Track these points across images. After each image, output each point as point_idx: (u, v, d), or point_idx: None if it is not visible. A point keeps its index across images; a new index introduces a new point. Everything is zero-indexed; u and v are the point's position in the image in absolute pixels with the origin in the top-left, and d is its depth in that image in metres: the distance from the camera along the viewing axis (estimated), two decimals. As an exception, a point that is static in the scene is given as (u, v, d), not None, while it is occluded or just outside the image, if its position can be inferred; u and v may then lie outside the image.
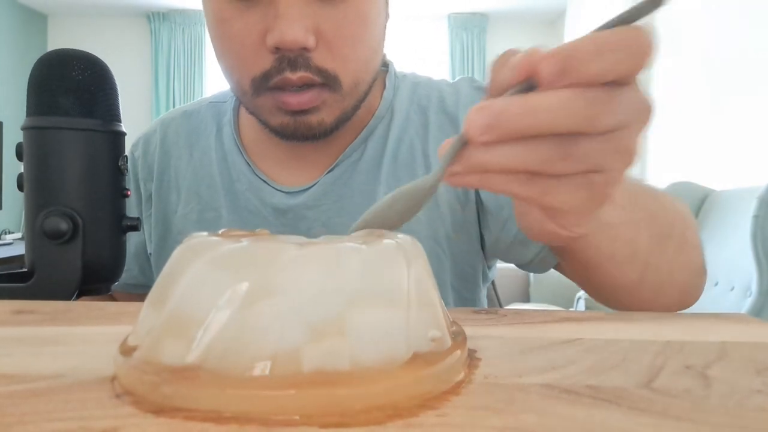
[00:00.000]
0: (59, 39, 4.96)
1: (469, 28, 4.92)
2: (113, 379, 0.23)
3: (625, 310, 0.49)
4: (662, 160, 3.19)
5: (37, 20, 4.87)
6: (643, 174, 3.44)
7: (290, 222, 0.61)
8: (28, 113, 0.46)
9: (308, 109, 0.54)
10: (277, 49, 0.50)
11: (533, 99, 0.25)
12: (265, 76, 0.52)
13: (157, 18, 4.92)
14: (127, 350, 0.24)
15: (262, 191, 0.63)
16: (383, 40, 0.60)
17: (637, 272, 0.44)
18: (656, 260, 0.45)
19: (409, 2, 4.70)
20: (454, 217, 0.61)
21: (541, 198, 0.28)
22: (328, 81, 0.53)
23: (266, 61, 0.52)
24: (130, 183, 0.69)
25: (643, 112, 0.27)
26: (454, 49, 4.96)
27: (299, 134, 0.56)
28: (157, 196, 0.67)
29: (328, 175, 0.62)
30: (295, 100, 0.53)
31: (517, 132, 0.25)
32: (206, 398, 0.20)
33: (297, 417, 0.20)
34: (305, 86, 0.52)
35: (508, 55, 0.27)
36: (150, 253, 0.68)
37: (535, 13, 4.75)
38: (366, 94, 0.59)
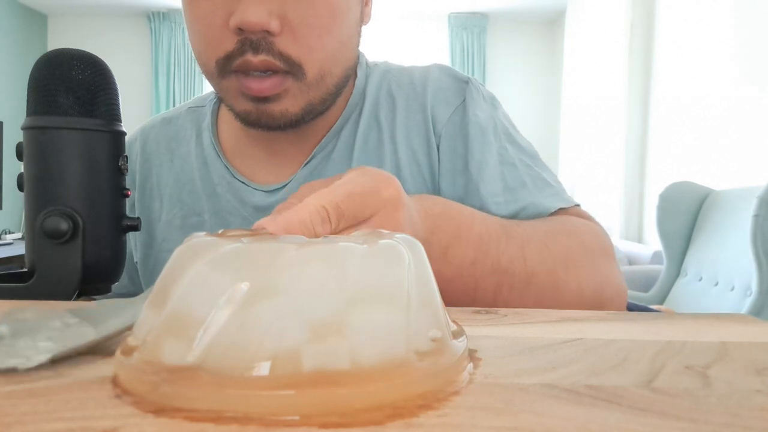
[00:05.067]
0: (59, 39, 4.96)
1: (469, 27, 4.93)
2: (113, 379, 0.23)
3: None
4: (662, 160, 3.19)
5: (37, 20, 4.87)
6: (644, 174, 3.44)
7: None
8: (28, 113, 0.46)
9: (270, 96, 0.53)
10: (240, 31, 0.51)
11: (293, 227, 0.32)
12: (228, 58, 0.52)
13: (157, 18, 4.92)
14: (127, 350, 0.24)
15: (242, 192, 0.63)
16: (356, 37, 0.60)
17: (487, 304, 0.48)
18: (513, 300, 0.49)
19: (409, 2, 4.69)
20: None
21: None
22: (292, 69, 0.53)
23: (230, 43, 0.52)
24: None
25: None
26: (454, 49, 4.96)
27: (263, 123, 0.56)
28: (140, 204, 0.68)
29: (304, 168, 0.62)
30: (256, 85, 0.52)
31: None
32: (206, 398, 0.20)
33: (297, 417, 0.20)
34: (268, 72, 0.52)
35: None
36: (136, 262, 0.68)
37: (535, 12, 4.75)
38: (338, 88, 0.59)
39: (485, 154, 0.60)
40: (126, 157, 0.49)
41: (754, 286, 1.76)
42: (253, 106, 0.54)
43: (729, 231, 2.01)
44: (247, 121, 0.56)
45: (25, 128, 0.46)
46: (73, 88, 0.45)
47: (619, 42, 3.47)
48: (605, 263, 0.55)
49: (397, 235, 0.27)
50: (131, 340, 0.24)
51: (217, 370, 0.21)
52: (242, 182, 0.63)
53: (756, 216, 1.76)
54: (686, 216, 2.27)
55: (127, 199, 0.67)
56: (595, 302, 0.52)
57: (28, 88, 0.46)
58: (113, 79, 0.48)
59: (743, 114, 2.48)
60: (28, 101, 0.46)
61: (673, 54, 3.12)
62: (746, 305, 1.76)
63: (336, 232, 0.34)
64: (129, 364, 0.23)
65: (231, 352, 0.21)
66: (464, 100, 0.62)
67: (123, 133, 0.49)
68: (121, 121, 0.49)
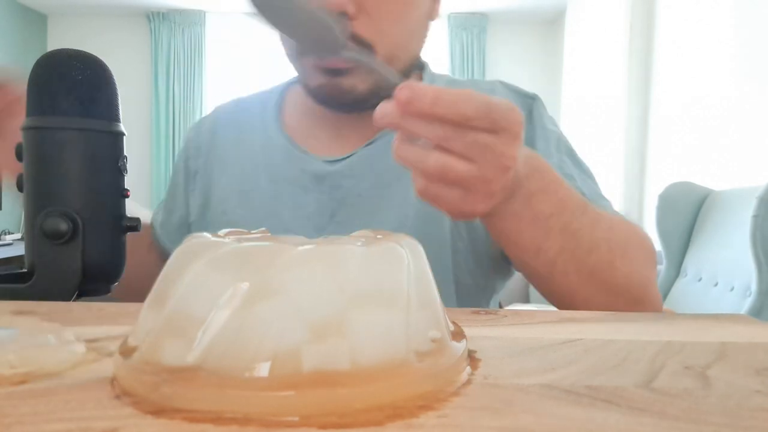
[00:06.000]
0: (59, 39, 4.96)
1: (469, 27, 4.92)
2: (113, 379, 0.23)
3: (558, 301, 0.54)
4: (662, 160, 3.19)
5: (37, 20, 4.87)
6: (643, 174, 3.44)
7: (327, 190, 0.65)
8: (28, 113, 0.46)
9: (342, 70, 0.58)
10: None
11: (442, 94, 0.35)
12: None
13: (157, 18, 4.92)
14: (126, 351, 0.24)
15: (301, 161, 0.67)
16: (424, 29, 0.65)
17: (542, 267, 0.50)
18: (563, 267, 0.50)
19: (408, 2, 4.68)
20: None
21: (443, 171, 0.38)
22: (364, 48, 0.57)
23: None
24: (179, 161, 0.76)
25: (493, 152, 0.38)
26: (454, 49, 4.96)
27: (333, 96, 0.61)
28: (203, 171, 0.73)
29: (366, 147, 0.66)
30: (329, 58, 0.57)
31: (425, 109, 0.36)
32: (206, 399, 0.20)
33: (297, 417, 0.20)
34: None
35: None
36: (191, 223, 0.73)
37: (535, 12, 4.75)
38: (403, 75, 0.63)
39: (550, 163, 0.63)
40: (126, 157, 0.49)
41: (754, 286, 1.76)
42: (326, 79, 0.59)
43: (729, 231, 2.01)
44: (319, 96, 0.62)
45: (24, 128, 0.46)
46: (73, 89, 0.45)
47: (619, 42, 3.47)
48: (652, 268, 0.57)
49: (398, 236, 0.27)
50: (131, 341, 0.24)
51: (217, 370, 0.21)
52: (303, 152, 0.67)
53: (756, 216, 1.76)
54: (686, 216, 2.27)
55: (189, 168, 0.74)
56: (638, 299, 0.54)
57: (28, 89, 0.46)
58: (113, 79, 0.48)
59: (743, 114, 2.48)
60: (27, 101, 0.46)
61: (673, 54, 3.12)
62: (746, 306, 1.76)
63: (470, 123, 0.36)
64: (128, 365, 0.23)
65: (231, 353, 0.21)
66: (531, 113, 0.67)
67: (123, 134, 0.49)
68: (121, 122, 0.49)
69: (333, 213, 0.64)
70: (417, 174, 0.40)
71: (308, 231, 0.63)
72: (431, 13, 0.66)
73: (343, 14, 0.55)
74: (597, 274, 0.51)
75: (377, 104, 0.61)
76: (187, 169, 0.75)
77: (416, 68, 0.69)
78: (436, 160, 0.38)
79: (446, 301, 0.67)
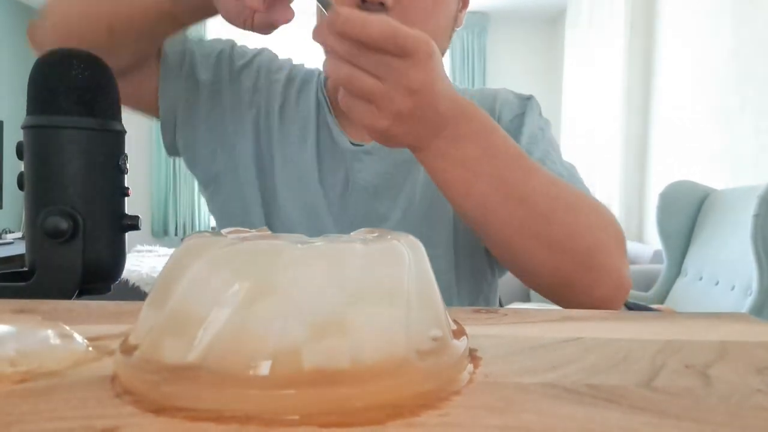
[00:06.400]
0: (59, 38, 4.94)
1: (469, 27, 4.92)
2: (114, 378, 0.23)
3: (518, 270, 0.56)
4: (662, 160, 3.19)
5: (37, 19, 4.86)
6: (644, 174, 3.44)
7: (349, 161, 0.69)
8: (29, 112, 0.46)
9: None
10: (362, 2, 0.59)
11: (353, 15, 0.41)
12: None
13: (157, 17, 4.92)
14: (127, 349, 0.24)
15: (334, 131, 0.70)
16: (449, 30, 0.69)
17: (473, 209, 0.52)
18: (494, 211, 0.52)
19: (409, 1, 4.68)
20: None
21: (349, 82, 0.43)
22: None
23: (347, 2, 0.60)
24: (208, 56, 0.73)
25: (398, 73, 0.43)
26: (454, 49, 4.96)
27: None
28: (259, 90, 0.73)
29: None
30: None
31: (337, 28, 0.41)
32: (207, 397, 0.20)
33: (297, 416, 0.20)
34: None
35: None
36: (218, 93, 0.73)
37: (535, 11, 4.75)
38: None
39: (531, 148, 0.67)
40: (126, 155, 0.49)
41: (755, 285, 1.76)
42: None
43: (729, 231, 2.01)
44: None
45: (25, 127, 0.46)
46: (73, 88, 0.45)
47: (619, 42, 3.47)
48: (613, 242, 0.56)
49: (399, 235, 0.27)
50: (132, 339, 0.24)
51: (218, 369, 0.21)
52: (337, 125, 0.71)
53: (756, 216, 1.76)
54: (686, 215, 2.27)
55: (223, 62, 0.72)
56: (586, 263, 0.53)
57: (29, 88, 0.46)
58: (113, 78, 0.48)
59: (743, 114, 2.48)
60: (28, 100, 0.46)
61: (673, 54, 3.12)
62: (746, 305, 1.76)
63: (377, 44, 0.42)
64: (129, 363, 0.23)
65: (231, 351, 0.21)
66: (524, 112, 0.73)
67: (123, 132, 0.49)
68: (121, 121, 0.49)
69: (352, 187, 0.68)
70: (332, 81, 0.45)
71: (326, 199, 0.68)
72: (457, 18, 0.70)
73: (381, 4, 0.58)
74: (530, 225, 0.52)
75: None
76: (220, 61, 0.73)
77: None
78: (346, 72, 0.43)
79: (447, 283, 0.68)
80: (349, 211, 0.68)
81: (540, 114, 0.74)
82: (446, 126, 0.48)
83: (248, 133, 0.72)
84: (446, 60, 5.04)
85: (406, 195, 0.68)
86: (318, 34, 0.44)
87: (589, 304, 0.54)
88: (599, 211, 0.57)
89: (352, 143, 0.70)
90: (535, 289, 0.58)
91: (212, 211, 0.77)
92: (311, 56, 0.83)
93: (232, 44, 0.75)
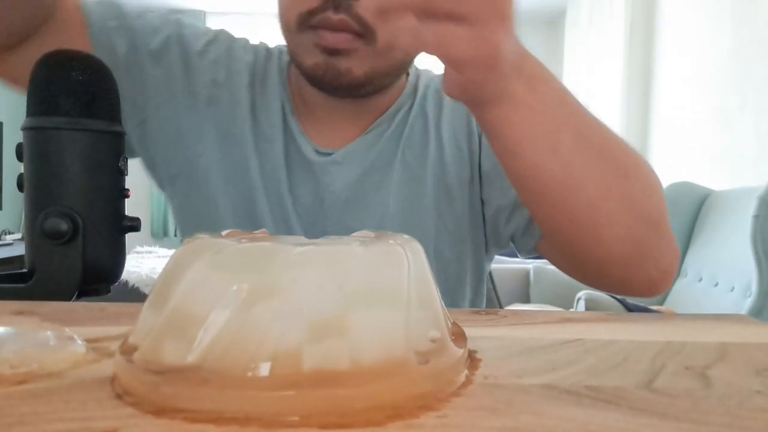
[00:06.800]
0: (59, 39, 4.95)
1: (469, 28, 4.92)
2: (113, 379, 0.23)
3: (574, 242, 0.50)
4: (662, 160, 3.19)
5: (37, 20, 4.86)
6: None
7: (317, 174, 0.65)
8: (28, 113, 0.46)
9: (341, 50, 0.57)
10: None
11: None
12: (310, 13, 0.56)
13: (157, 18, 4.92)
14: (127, 350, 0.24)
15: (300, 140, 0.66)
16: None
17: (559, 169, 0.45)
18: (581, 168, 0.45)
19: (409, 2, 4.68)
20: (462, 192, 0.65)
21: (438, 47, 0.37)
22: (365, 31, 0.56)
23: (314, 0, 0.56)
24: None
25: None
26: (454, 49, 4.96)
27: (328, 78, 0.59)
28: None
29: (359, 141, 0.66)
30: (331, 37, 0.56)
31: None
32: (207, 398, 0.20)
33: (297, 417, 0.20)
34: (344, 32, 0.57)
35: None
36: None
37: (535, 12, 4.75)
38: (400, 65, 0.63)
39: None
40: (126, 157, 0.49)
41: (754, 286, 1.76)
42: (323, 58, 0.58)
43: (729, 231, 2.01)
44: (314, 76, 0.60)
45: (25, 129, 0.46)
46: (73, 89, 0.45)
47: (619, 42, 3.47)
48: (663, 198, 0.51)
49: (398, 236, 0.27)
50: (132, 340, 0.24)
51: (218, 370, 0.21)
52: (301, 132, 0.66)
53: (756, 216, 1.76)
54: (686, 216, 2.27)
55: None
56: (657, 226, 0.49)
57: (28, 89, 0.46)
58: (113, 79, 0.48)
59: (743, 114, 2.48)
60: (28, 102, 0.46)
61: (673, 54, 3.12)
62: (746, 306, 1.76)
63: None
64: (129, 365, 0.23)
65: (231, 353, 0.21)
66: None
67: (123, 134, 0.49)
68: (121, 122, 0.49)
69: (321, 199, 0.65)
70: (424, 29, 0.37)
71: (296, 211, 0.64)
72: None
73: None
74: (614, 185, 0.46)
75: (371, 92, 0.62)
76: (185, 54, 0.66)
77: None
78: (455, 46, 0.37)
79: None
80: (320, 224, 0.64)
81: None
82: (521, 69, 0.42)
83: (210, 134, 0.65)
84: (446, 61, 5.07)
85: (379, 206, 0.65)
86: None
87: (649, 280, 0.51)
88: (652, 179, 0.51)
89: (317, 151, 0.66)
90: (595, 278, 0.53)
91: (176, 217, 0.70)
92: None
93: (179, 25, 0.67)
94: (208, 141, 0.65)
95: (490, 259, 0.73)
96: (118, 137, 0.48)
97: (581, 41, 4.08)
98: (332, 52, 0.57)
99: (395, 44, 0.37)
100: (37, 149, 0.46)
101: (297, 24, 0.58)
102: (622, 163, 0.47)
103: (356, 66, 0.58)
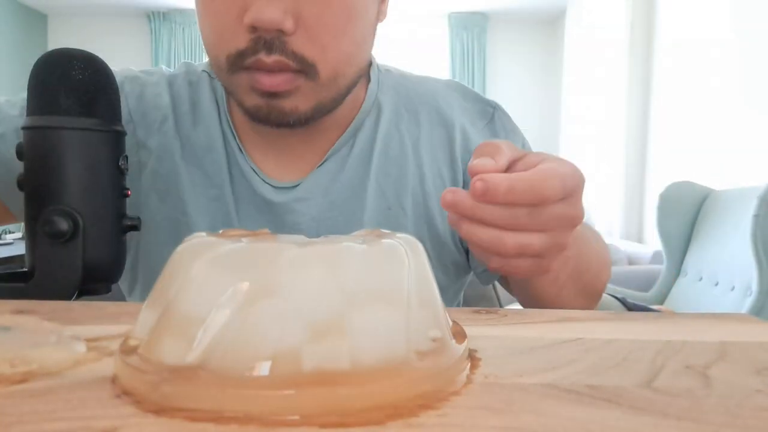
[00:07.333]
0: (59, 39, 4.96)
1: (469, 27, 4.92)
2: (113, 378, 0.23)
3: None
4: (662, 160, 3.19)
5: (37, 20, 4.87)
6: (644, 174, 3.44)
7: (279, 215, 0.60)
8: (28, 113, 0.46)
9: (282, 92, 0.52)
10: (253, 29, 0.49)
11: (516, 183, 0.35)
12: (240, 55, 0.51)
13: (157, 18, 4.93)
14: (127, 350, 0.24)
15: (253, 181, 0.61)
16: (371, 36, 0.58)
17: (554, 295, 0.55)
18: (567, 298, 0.55)
19: (409, 2, 4.69)
20: (444, 222, 0.63)
21: (520, 248, 0.37)
22: (305, 68, 0.51)
23: (242, 40, 0.50)
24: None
25: (566, 219, 0.39)
26: (454, 49, 4.96)
27: (272, 119, 0.54)
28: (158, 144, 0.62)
29: (318, 170, 0.61)
30: (268, 80, 0.51)
31: (500, 200, 0.36)
32: (206, 398, 0.20)
33: (297, 417, 0.20)
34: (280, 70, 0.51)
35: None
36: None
37: (535, 12, 4.75)
38: (348, 89, 0.58)
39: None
40: (126, 156, 0.49)
41: (754, 286, 1.76)
42: (264, 101, 0.53)
43: (729, 231, 2.01)
44: (257, 117, 0.55)
45: (25, 128, 0.46)
46: (73, 88, 0.45)
47: (619, 42, 3.47)
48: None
49: (398, 235, 0.27)
50: (131, 340, 0.24)
51: (218, 369, 0.21)
52: (254, 170, 0.61)
53: (756, 216, 1.76)
54: (686, 216, 2.27)
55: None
56: (597, 300, 0.60)
57: (28, 88, 0.46)
58: (113, 78, 0.48)
59: (744, 114, 2.48)
60: (28, 101, 0.46)
61: (673, 54, 3.12)
62: (746, 305, 1.76)
63: (547, 202, 0.37)
64: (129, 364, 0.23)
65: (231, 352, 0.21)
66: (492, 118, 0.66)
67: (123, 133, 0.49)
68: (121, 121, 0.49)
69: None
70: (491, 254, 0.39)
71: None
72: (379, 16, 0.59)
73: (281, 32, 0.49)
74: (589, 286, 0.56)
75: (321, 117, 0.57)
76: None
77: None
78: (513, 240, 0.37)
79: None
80: None
81: (512, 122, 0.67)
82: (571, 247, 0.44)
83: (149, 196, 0.61)
84: (446, 60, 5.06)
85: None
86: (463, 208, 0.36)
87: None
88: (603, 242, 0.62)
89: (275, 187, 0.60)
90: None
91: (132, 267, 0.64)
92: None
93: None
94: (151, 203, 0.61)
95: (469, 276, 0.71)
96: (119, 136, 0.48)
97: (581, 40, 4.08)
98: (272, 95, 0.52)
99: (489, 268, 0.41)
100: (38, 148, 0.46)
101: (228, 65, 0.52)
102: (597, 290, 0.58)
103: (302, 102, 0.53)
